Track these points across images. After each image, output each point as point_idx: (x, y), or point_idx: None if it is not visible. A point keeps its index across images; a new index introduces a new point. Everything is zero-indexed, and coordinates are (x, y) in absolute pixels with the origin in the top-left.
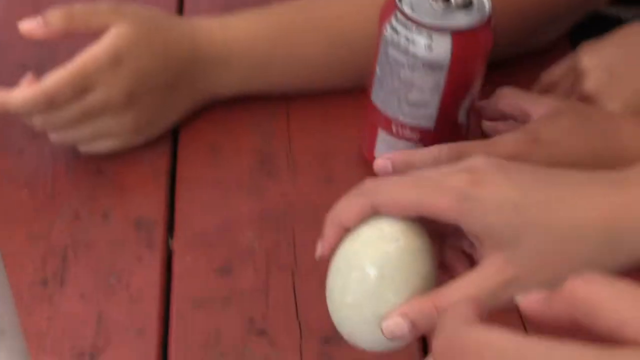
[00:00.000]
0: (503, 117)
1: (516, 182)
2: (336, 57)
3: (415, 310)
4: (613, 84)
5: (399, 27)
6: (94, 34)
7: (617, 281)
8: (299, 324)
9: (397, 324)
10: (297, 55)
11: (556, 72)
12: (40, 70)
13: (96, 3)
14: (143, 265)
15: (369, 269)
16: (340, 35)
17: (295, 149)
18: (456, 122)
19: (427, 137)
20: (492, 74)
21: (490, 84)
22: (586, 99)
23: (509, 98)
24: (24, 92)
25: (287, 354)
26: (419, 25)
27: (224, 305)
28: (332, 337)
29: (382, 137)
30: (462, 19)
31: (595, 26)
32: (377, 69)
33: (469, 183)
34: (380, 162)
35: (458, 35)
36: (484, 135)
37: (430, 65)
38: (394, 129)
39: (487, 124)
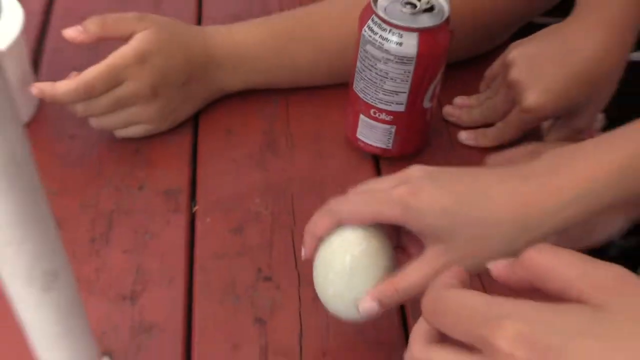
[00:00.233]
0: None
1: (446, 189)
2: (320, 62)
3: (381, 293)
4: (534, 72)
5: (375, 28)
6: (126, 40)
7: (563, 250)
8: (298, 273)
9: (370, 305)
10: (290, 60)
11: (494, 67)
12: None
13: (125, 13)
14: (171, 226)
15: (342, 269)
16: (323, 45)
17: (293, 131)
18: (422, 106)
19: (399, 119)
20: (458, 70)
21: (452, 79)
22: (512, 86)
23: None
24: (68, 83)
25: (288, 297)
26: (392, 26)
27: (237, 258)
28: None
29: (362, 120)
30: (426, 21)
31: (529, 32)
32: (358, 63)
33: (409, 194)
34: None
35: (423, 34)
36: (444, 118)
37: (401, 59)
38: (372, 113)
39: (446, 109)
